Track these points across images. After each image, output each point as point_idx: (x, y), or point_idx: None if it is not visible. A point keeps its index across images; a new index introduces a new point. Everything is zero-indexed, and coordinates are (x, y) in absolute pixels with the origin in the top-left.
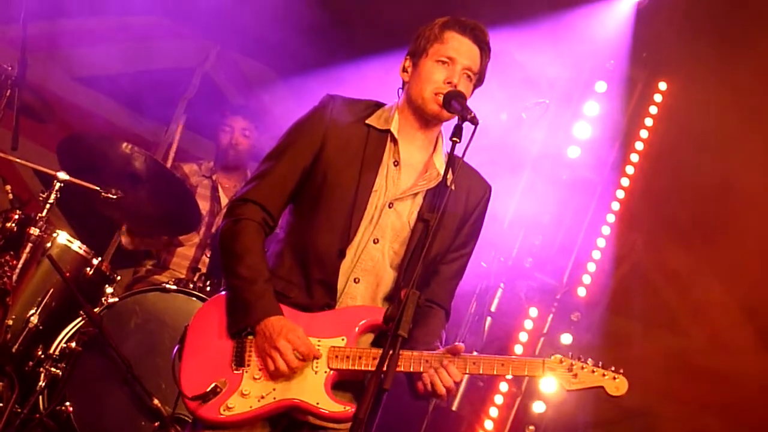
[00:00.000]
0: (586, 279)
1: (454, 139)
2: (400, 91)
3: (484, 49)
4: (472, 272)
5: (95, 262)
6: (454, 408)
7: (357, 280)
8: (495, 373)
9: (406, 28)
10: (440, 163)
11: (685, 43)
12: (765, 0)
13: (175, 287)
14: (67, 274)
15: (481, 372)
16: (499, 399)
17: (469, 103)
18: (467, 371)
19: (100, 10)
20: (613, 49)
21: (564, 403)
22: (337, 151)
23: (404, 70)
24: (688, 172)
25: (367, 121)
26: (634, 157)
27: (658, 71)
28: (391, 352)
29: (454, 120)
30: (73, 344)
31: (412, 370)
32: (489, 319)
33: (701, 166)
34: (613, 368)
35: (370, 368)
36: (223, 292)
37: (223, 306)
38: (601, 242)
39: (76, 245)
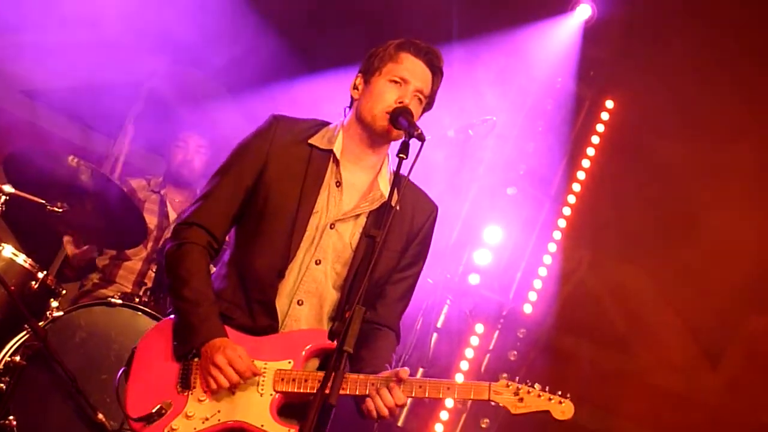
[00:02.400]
0: (533, 296)
1: (401, 155)
2: (347, 109)
3: (437, 74)
4: (418, 288)
5: (40, 275)
6: (399, 424)
7: (300, 302)
8: (441, 396)
9: (356, 46)
10: (384, 184)
11: (632, 62)
12: (711, 21)
13: (120, 302)
14: (12, 288)
15: (427, 395)
16: (444, 415)
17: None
18: (413, 394)
19: (47, 24)
20: (560, 68)
21: (509, 420)
22: (278, 172)
23: (355, 87)
24: (635, 191)
25: (310, 141)
26: (581, 175)
27: (605, 90)
28: (336, 367)
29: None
30: (18, 358)
31: (358, 393)
32: (435, 335)
33: (647, 184)
34: (559, 393)
35: (315, 390)
36: (172, 316)
37: (171, 329)
38: (547, 259)
39: (22, 258)
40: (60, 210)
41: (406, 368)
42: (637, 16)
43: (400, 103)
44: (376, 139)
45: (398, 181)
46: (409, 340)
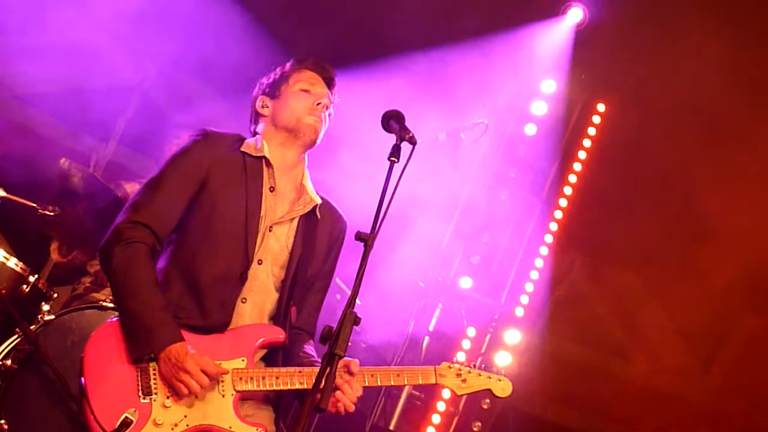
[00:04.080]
0: (524, 299)
1: (393, 158)
2: (256, 129)
3: (331, 86)
4: (410, 291)
5: (32, 279)
6: (391, 427)
7: (244, 300)
8: (392, 383)
9: (345, 47)
10: (311, 188)
11: (623, 66)
12: (705, 22)
13: (112, 305)
14: (3, 291)
15: (379, 383)
16: (436, 418)
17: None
18: (366, 383)
19: (40, 28)
20: (552, 71)
21: (501, 422)
22: (221, 180)
23: (264, 106)
24: (626, 194)
25: (242, 149)
26: (573, 178)
27: (596, 93)
28: (327, 372)
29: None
30: (9, 362)
31: (306, 386)
32: (427, 338)
33: (639, 187)
34: (495, 369)
35: (274, 387)
36: (114, 319)
37: (117, 332)
38: (539, 263)
39: (13, 262)
40: (51, 213)
41: (356, 360)
42: (629, 19)
43: (318, 104)
44: (304, 142)
45: (390, 180)
46: (401, 343)
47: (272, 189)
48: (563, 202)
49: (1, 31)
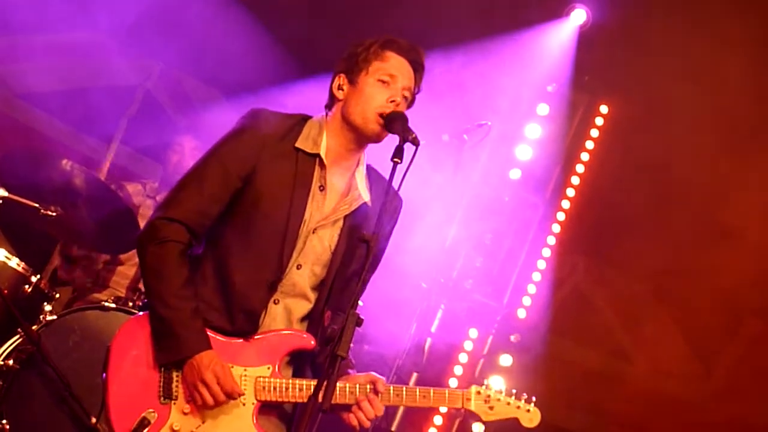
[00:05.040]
0: (527, 301)
1: (395, 159)
2: (329, 110)
3: (419, 71)
4: (412, 293)
5: (34, 279)
6: (393, 429)
7: (276, 301)
8: (417, 404)
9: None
10: (362, 182)
11: (627, 67)
12: (709, 25)
13: (114, 305)
14: (5, 291)
15: (403, 403)
16: (438, 420)
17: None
18: (390, 402)
19: (42, 28)
20: (555, 73)
21: (503, 424)
22: (268, 178)
23: (339, 88)
24: (628, 195)
25: (296, 145)
26: (575, 180)
27: (599, 95)
28: (329, 373)
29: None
30: (11, 362)
31: (338, 401)
32: (429, 339)
33: (641, 189)
34: (525, 398)
35: (296, 399)
36: (142, 313)
37: (147, 329)
38: (541, 264)
39: (14, 262)
40: (53, 214)
41: (383, 378)
42: (633, 21)
43: (392, 102)
44: (365, 141)
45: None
46: (403, 345)
47: (322, 188)
48: (566, 204)
49: (5, 31)
